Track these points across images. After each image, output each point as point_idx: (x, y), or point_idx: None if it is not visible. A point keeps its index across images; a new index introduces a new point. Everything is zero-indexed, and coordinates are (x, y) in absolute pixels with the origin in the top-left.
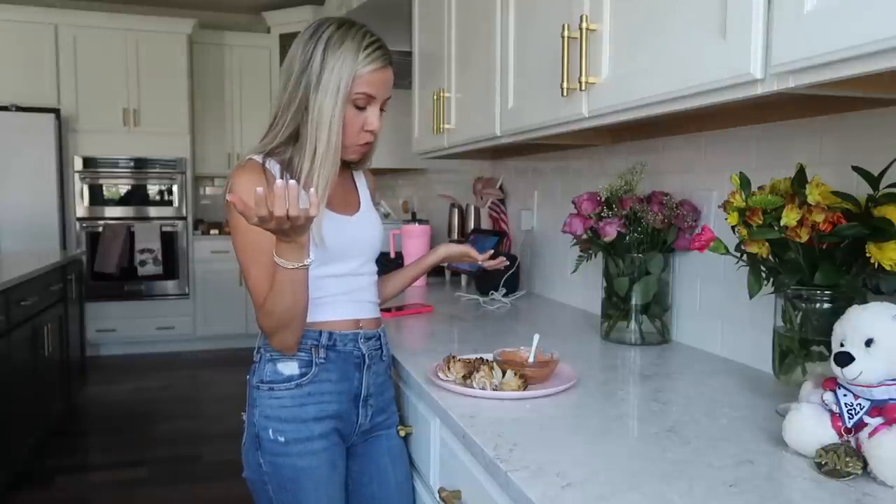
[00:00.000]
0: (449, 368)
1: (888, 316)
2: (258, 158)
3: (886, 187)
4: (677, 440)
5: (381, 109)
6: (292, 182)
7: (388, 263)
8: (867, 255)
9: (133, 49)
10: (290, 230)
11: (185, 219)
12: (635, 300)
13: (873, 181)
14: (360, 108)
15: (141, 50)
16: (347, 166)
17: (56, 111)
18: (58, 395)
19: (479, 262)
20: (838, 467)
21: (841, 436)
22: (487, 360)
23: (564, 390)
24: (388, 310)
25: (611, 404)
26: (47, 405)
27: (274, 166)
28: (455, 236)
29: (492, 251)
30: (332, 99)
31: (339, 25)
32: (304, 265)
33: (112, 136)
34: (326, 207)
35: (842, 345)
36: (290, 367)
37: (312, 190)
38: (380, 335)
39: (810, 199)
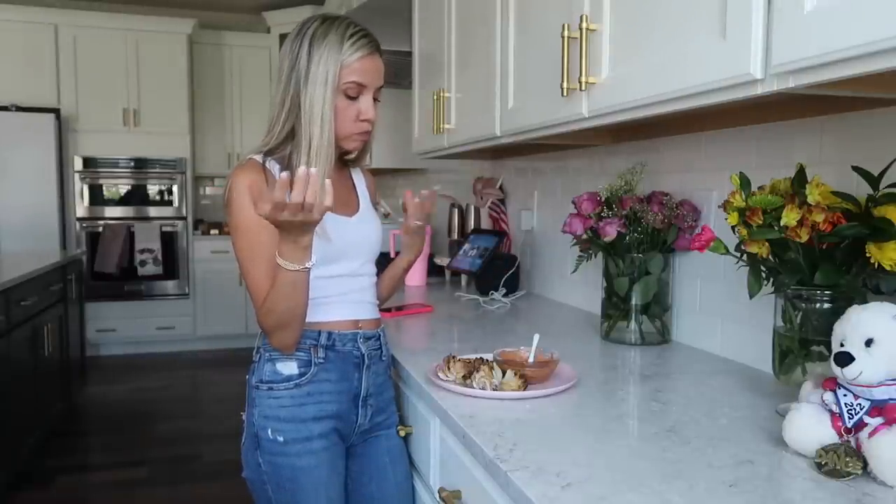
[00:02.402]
0: (449, 368)
1: (888, 316)
2: (258, 158)
3: (886, 187)
4: (677, 440)
5: (376, 99)
6: (314, 169)
7: (388, 264)
8: (867, 255)
9: (133, 49)
10: (297, 227)
11: (185, 219)
12: (635, 300)
13: (873, 181)
14: (352, 98)
15: (141, 50)
16: (346, 166)
17: (56, 111)
18: (58, 395)
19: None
20: (838, 467)
21: (841, 436)
22: (487, 360)
23: (564, 390)
24: (388, 310)
25: (611, 404)
26: (47, 405)
27: (273, 166)
28: (455, 236)
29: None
30: (321, 91)
31: (324, 20)
32: (306, 267)
33: (112, 136)
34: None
35: (842, 345)
36: (289, 367)
37: (328, 181)
38: (379, 335)
39: (810, 199)
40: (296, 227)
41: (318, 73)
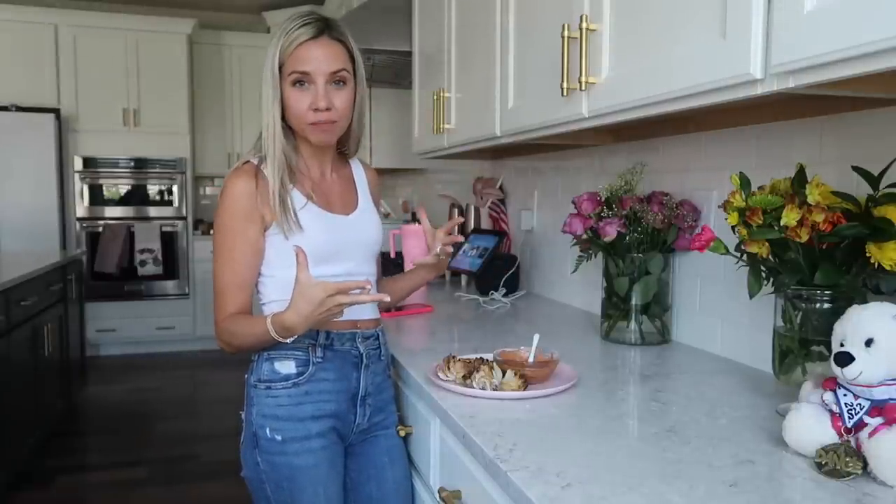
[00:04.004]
0: (449, 368)
1: (888, 316)
2: (254, 161)
3: (886, 187)
4: (677, 440)
5: (342, 82)
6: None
7: (387, 263)
8: (867, 255)
9: (133, 49)
10: (316, 315)
11: (185, 219)
12: (635, 300)
13: (873, 181)
14: (304, 87)
15: (141, 50)
16: (346, 161)
17: (56, 111)
18: (58, 395)
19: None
20: (838, 467)
21: (841, 436)
22: (487, 360)
23: (564, 390)
24: (387, 310)
25: (611, 404)
26: (47, 405)
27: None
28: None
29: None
30: (268, 85)
31: (291, 19)
32: (283, 340)
33: (112, 136)
34: (324, 209)
35: (842, 345)
36: (287, 366)
37: (384, 296)
38: (378, 335)
39: (810, 199)
40: (316, 316)
41: (267, 70)
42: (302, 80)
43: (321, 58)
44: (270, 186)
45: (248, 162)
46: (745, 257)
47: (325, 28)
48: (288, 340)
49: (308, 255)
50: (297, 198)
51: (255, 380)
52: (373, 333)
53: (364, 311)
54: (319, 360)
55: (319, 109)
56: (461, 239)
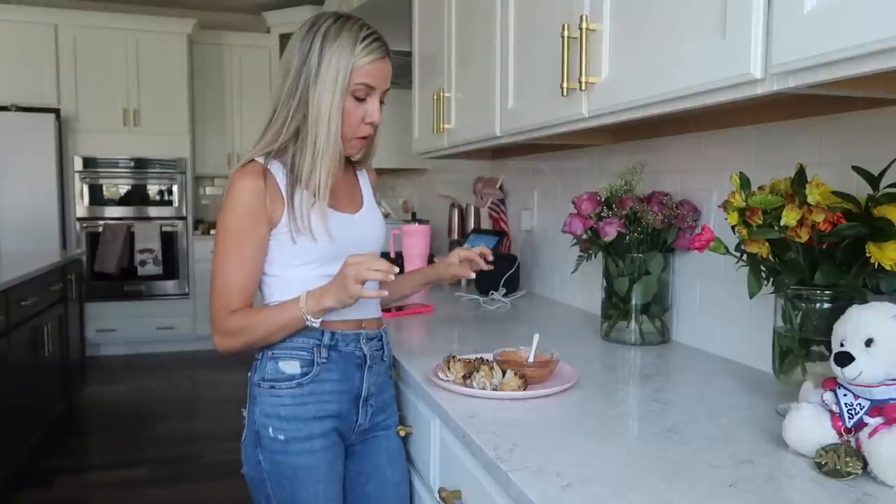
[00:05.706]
0: (449, 368)
1: (888, 316)
2: (260, 159)
3: (886, 187)
4: (677, 440)
5: (381, 102)
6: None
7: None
8: (867, 255)
9: (133, 49)
10: (341, 285)
11: (184, 219)
12: (635, 300)
13: (873, 181)
14: (360, 100)
15: (141, 50)
16: (351, 164)
17: (56, 111)
18: (58, 395)
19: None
20: (838, 467)
21: (841, 436)
22: (487, 360)
23: (564, 390)
24: (387, 310)
25: (611, 404)
26: (47, 405)
27: (278, 169)
28: (455, 236)
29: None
30: (330, 91)
31: (337, 19)
32: (309, 321)
33: (112, 136)
34: (332, 207)
35: (842, 345)
36: (291, 366)
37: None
38: (382, 336)
39: (810, 199)
40: (341, 284)
41: (329, 73)
42: (364, 94)
43: (386, 75)
44: (314, 186)
45: (252, 161)
46: (745, 257)
47: (388, 49)
48: (316, 322)
49: (316, 255)
50: (305, 197)
51: (259, 378)
52: (377, 334)
53: (367, 311)
54: (324, 360)
55: (373, 123)
56: (484, 266)
